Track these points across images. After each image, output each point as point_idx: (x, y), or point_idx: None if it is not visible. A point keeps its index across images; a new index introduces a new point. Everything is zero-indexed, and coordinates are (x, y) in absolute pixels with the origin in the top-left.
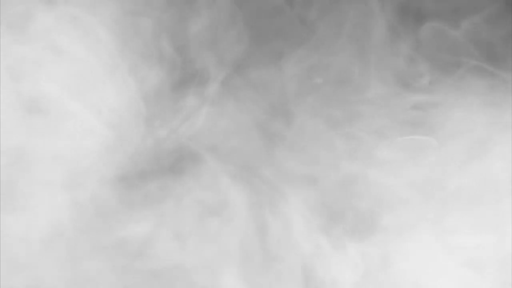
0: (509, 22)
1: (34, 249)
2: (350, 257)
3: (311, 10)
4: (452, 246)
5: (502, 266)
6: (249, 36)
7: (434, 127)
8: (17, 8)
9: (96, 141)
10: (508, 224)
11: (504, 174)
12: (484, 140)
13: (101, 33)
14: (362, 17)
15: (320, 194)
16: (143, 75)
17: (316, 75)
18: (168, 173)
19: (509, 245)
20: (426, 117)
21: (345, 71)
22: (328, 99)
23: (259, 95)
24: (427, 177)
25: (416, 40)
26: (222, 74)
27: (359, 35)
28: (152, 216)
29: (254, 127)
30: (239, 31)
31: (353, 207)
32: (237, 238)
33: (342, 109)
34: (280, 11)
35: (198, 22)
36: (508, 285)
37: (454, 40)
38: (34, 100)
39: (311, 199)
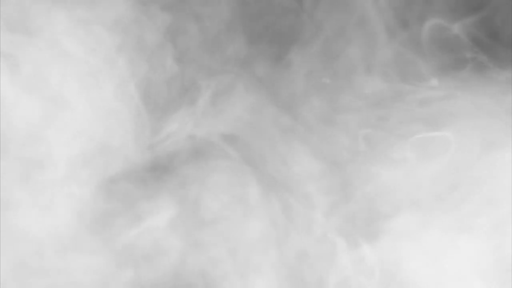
0: (509, 22)
1: (34, 249)
2: (363, 257)
3: (317, 9)
4: (463, 247)
5: None
6: (254, 35)
7: (443, 124)
8: (17, 7)
9: (96, 140)
10: None
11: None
12: (489, 140)
13: (103, 33)
14: (366, 16)
15: (331, 194)
16: (146, 73)
17: (323, 74)
18: (173, 171)
19: None
20: (434, 114)
21: (349, 69)
22: (334, 99)
23: (266, 93)
24: (442, 175)
25: (419, 38)
26: (225, 73)
27: (364, 34)
28: (162, 213)
29: (261, 125)
30: (243, 29)
31: (366, 207)
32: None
33: (350, 108)
34: (286, 9)
35: (203, 20)
36: None
37: (456, 39)
38: (34, 99)
39: (321, 198)
